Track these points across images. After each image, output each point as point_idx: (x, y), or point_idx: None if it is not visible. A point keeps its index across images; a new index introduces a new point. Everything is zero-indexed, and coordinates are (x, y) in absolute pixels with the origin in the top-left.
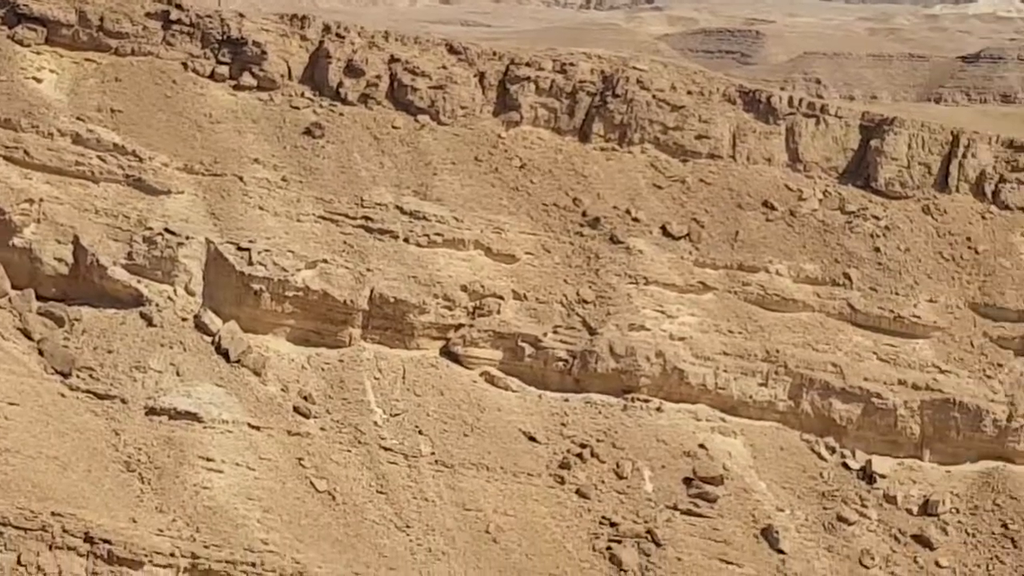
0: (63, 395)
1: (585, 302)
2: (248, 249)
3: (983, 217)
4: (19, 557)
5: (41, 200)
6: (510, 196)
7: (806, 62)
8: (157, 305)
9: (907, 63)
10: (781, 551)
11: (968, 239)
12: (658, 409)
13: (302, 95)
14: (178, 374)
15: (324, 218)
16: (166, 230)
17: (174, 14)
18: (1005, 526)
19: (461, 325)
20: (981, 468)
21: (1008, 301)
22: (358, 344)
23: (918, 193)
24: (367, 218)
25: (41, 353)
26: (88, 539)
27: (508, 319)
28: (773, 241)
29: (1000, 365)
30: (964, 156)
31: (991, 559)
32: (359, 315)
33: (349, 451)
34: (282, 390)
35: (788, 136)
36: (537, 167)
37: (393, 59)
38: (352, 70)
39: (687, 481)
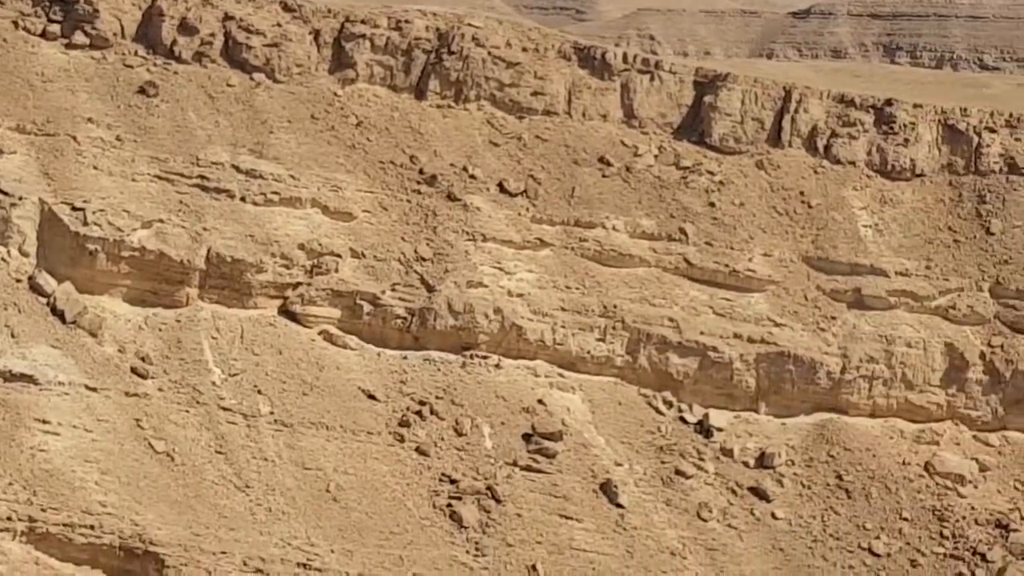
0: None
1: (423, 259)
2: (83, 209)
3: (815, 172)
4: None
5: None
6: (347, 154)
7: (640, 18)
8: None
9: (739, 19)
10: (620, 505)
11: (801, 193)
12: (497, 366)
13: (135, 54)
14: (13, 336)
15: (160, 177)
16: None
17: None
18: (839, 477)
19: (299, 284)
20: (815, 420)
21: (840, 255)
22: (195, 304)
23: (752, 148)
24: (203, 177)
25: None
26: None
27: (346, 277)
28: (609, 197)
29: (833, 318)
30: (796, 111)
31: (826, 510)
32: (196, 275)
33: (187, 411)
34: (119, 351)
35: (623, 92)
36: (373, 125)
37: (227, 17)
38: (186, 28)
39: (526, 437)
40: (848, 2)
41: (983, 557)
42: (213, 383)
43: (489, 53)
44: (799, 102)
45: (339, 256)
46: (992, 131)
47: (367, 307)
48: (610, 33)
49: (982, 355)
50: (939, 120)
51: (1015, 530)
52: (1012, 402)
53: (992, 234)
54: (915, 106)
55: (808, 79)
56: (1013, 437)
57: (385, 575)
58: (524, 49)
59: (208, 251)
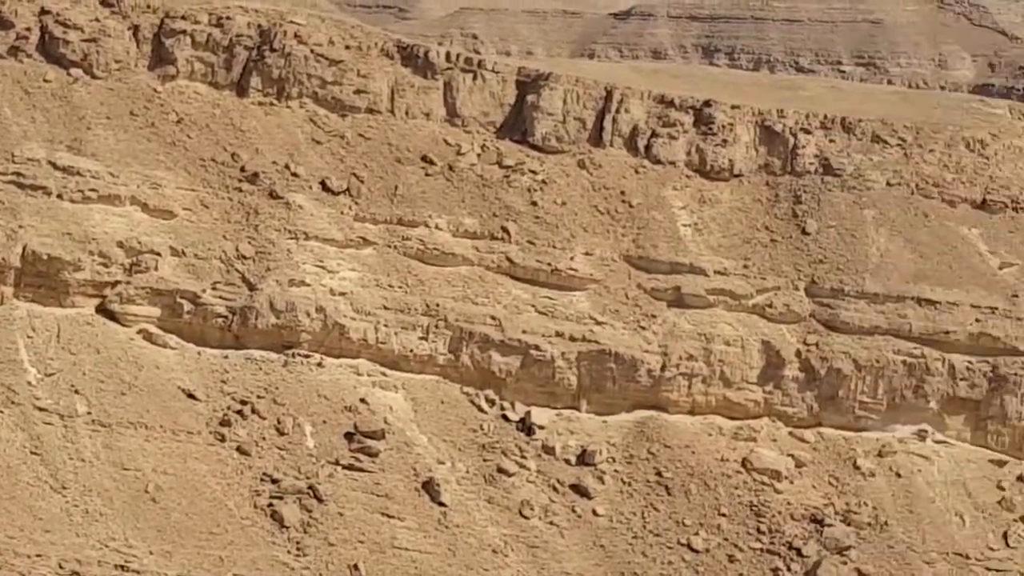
0: None
1: (244, 258)
2: None
3: (636, 171)
4: None
5: None
6: (167, 151)
7: (462, 17)
8: None
9: (561, 19)
10: (442, 504)
11: (622, 193)
12: (319, 364)
13: None
14: None
15: None
16: None
17: None
18: (659, 474)
19: (118, 282)
20: (636, 417)
21: (661, 254)
22: (10, 303)
23: (573, 148)
24: (18, 174)
25: None
26: None
27: (166, 275)
28: (432, 196)
29: (654, 316)
30: (617, 111)
31: (646, 507)
32: (11, 273)
33: (2, 412)
34: None
35: (446, 91)
36: (194, 122)
37: (44, 11)
38: (1, 22)
39: (348, 436)
40: (668, 4)
41: (799, 552)
42: (28, 383)
43: (311, 51)
44: (620, 102)
45: (159, 254)
46: (807, 132)
47: (187, 306)
48: (433, 32)
49: (798, 353)
50: (756, 121)
51: (829, 525)
52: (827, 399)
53: (808, 234)
54: (733, 107)
55: (629, 79)
56: (827, 433)
57: None
58: (347, 47)
59: (24, 249)
